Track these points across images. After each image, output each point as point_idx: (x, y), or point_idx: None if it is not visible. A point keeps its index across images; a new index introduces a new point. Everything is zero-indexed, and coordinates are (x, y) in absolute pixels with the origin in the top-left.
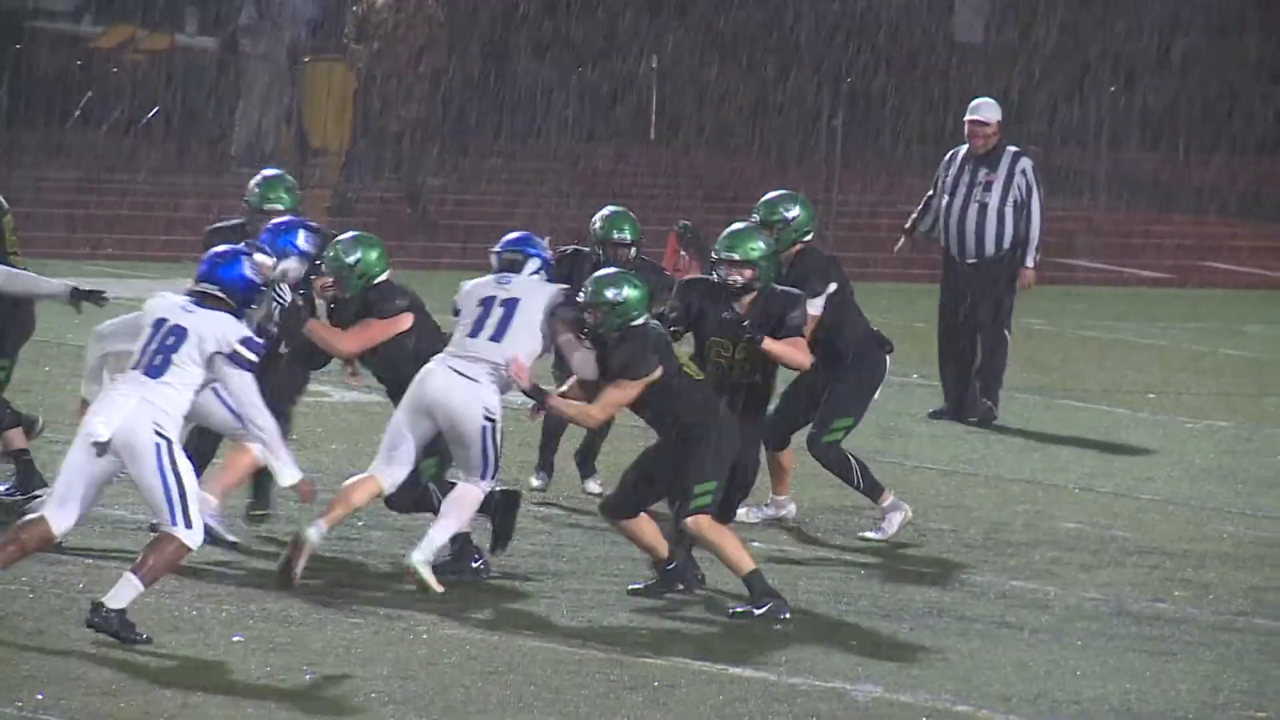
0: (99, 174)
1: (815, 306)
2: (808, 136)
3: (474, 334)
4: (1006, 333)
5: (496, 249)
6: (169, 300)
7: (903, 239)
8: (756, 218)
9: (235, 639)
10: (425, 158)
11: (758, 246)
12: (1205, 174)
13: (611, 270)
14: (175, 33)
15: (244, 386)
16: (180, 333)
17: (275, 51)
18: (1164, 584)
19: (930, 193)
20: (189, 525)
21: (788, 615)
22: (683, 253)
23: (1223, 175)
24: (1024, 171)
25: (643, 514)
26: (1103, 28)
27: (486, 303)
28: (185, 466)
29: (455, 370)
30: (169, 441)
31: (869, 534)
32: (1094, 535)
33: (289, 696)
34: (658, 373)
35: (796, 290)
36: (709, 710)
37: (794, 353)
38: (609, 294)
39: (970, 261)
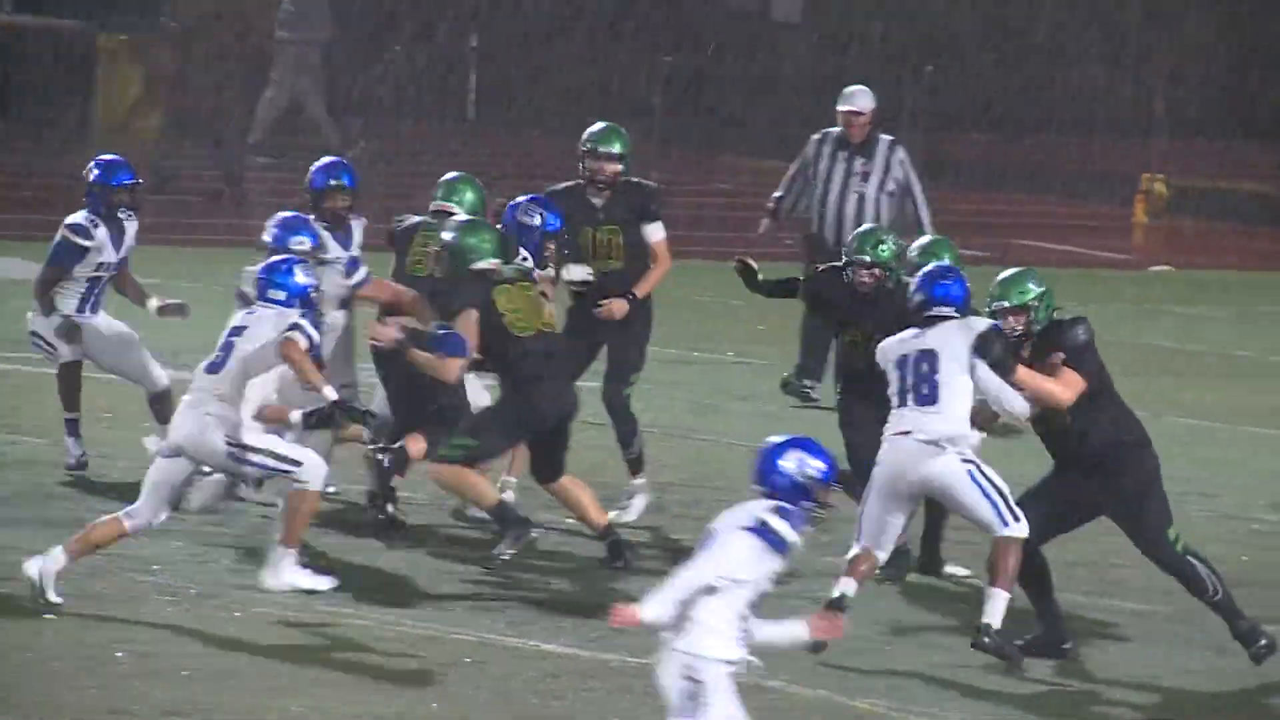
0: None
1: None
2: (629, 116)
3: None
4: None
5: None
6: (895, 339)
7: (765, 220)
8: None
9: (46, 617)
10: (244, 137)
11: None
12: (1024, 153)
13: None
14: None
15: (989, 376)
16: (929, 355)
17: (313, 40)
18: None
19: (792, 172)
20: (1015, 520)
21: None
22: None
23: (1040, 154)
24: (901, 162)
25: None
26: (922, 6)
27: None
28: (992, 472)
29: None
30: (974, 462)
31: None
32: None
33: (103, 675)
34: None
35: (1074, 320)
36: (521, 685)
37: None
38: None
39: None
